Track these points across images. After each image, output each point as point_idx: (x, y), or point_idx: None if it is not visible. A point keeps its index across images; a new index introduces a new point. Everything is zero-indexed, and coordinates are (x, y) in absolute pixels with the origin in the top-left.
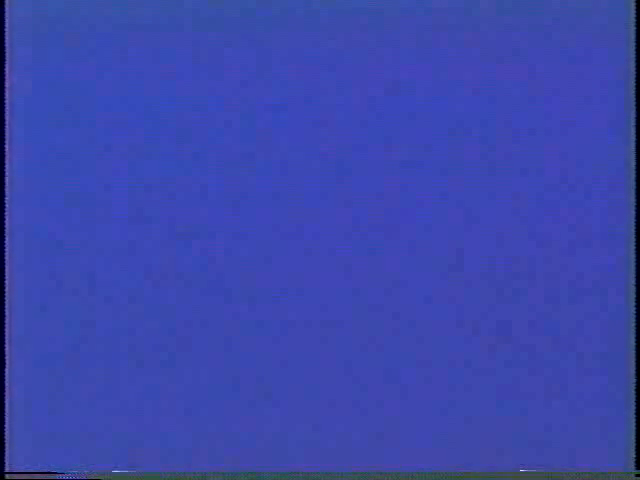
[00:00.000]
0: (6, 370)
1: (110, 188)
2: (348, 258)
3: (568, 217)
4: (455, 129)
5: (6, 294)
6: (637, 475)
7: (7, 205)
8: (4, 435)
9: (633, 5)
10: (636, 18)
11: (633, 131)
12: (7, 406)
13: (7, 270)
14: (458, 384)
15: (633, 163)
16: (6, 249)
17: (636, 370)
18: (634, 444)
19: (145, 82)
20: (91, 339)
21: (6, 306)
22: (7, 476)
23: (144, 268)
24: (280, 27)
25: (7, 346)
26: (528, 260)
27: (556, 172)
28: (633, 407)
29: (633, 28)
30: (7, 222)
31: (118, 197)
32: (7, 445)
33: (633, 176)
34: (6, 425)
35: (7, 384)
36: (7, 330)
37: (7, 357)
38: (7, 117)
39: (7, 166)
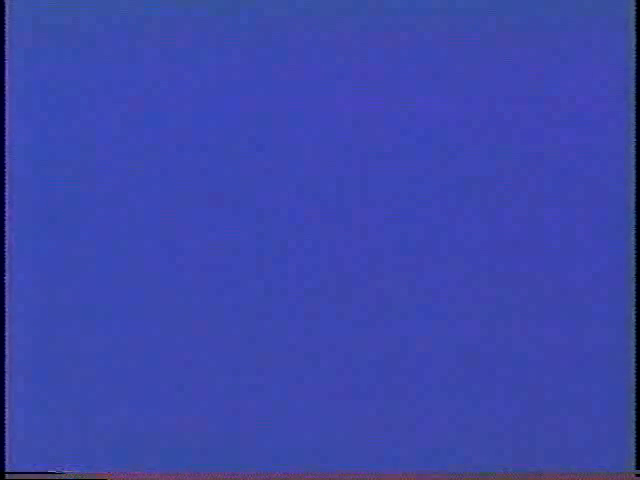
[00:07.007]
0: (6, 370)
1: (110, 188)
2: (348, 257)
3: (568, 217)
4: (455, 129)
5: (6, 294)
6: (637, 475)
7: (7, 205)
8: (4, 435)
9: (633, 5)
10: (636, 18)
11: (633, 130)
12: (7, 405)
13: (7, 270)
14: (459, 384)
15: (633, 163)
16: (6, 249)
17: (636, 370)
18: (634, 444)
19: (145, 81)
20: (91, 339)
21: (6, 306)
22: (7, 476)
23: (144, 267)
24: (281, 26)
25: (7, 346)
26: (528, 260)
27: (556, 172)
28: (633, 407)
29: (633, 28)
30: (7, 221)
31: (118, 197)
32: (7, 445)
33: (633, 176)
34: (6, 425)
35: (7, 384)
36: (7, 330)
37: (7, 357)
38: (7, 117)
39: (7, 166)
